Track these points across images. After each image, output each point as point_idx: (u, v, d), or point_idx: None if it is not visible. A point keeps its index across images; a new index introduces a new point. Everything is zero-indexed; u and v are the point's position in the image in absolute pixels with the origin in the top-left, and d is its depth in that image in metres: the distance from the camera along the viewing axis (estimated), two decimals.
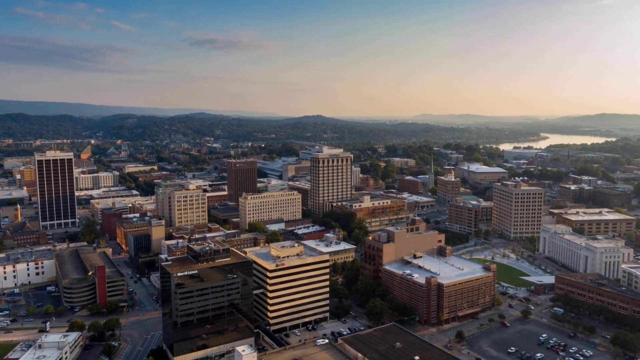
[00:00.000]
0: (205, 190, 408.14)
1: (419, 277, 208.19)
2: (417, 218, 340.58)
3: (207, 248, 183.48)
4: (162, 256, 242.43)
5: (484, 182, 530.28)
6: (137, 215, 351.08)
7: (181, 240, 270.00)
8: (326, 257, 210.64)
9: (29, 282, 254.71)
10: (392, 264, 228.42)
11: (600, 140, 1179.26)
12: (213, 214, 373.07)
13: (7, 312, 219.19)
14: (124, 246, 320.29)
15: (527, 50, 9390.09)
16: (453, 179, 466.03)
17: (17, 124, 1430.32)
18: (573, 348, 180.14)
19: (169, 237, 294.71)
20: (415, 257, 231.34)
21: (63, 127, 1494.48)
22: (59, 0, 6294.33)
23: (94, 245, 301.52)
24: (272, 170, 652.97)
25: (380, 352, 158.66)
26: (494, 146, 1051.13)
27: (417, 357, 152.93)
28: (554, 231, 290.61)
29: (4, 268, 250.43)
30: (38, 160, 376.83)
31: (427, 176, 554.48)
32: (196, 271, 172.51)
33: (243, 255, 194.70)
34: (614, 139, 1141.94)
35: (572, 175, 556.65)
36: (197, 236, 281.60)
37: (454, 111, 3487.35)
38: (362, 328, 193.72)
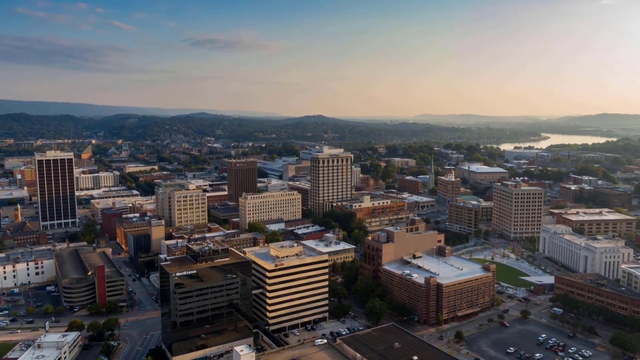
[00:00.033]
0: (205, 190, 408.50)
1: (418, 277, 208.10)
2: (416, 218, 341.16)
3: (206, 248, 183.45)
4: (162, 256, 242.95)
5: (484, 182, 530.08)
6: (137, 215, 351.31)
7: (181, 240, 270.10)
8: (325, 257, 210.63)
9: (29, 281, 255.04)
10: (392, 264, 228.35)
11: (601, 140, 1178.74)
12: (213, 214, 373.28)
13: (7, 311, 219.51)
14: (123, 246, 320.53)
15: (528, 50, 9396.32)
16: (453, 179, 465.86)
17: (18, 124, 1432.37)
18: (572, 348, 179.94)
19: (168, 237, 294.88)
20: (414, 257, 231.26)
21: (64, 127, 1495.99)
22: (59, 0, 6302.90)
23: (94, 245, 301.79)
24: (273, 170, 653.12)
25: (379, 352, 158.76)
26: (495, 146, 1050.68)
27: (415, 357, 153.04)
28: (554, 231, 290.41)
29: (4, 268, 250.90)
30: (38, 160, 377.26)
31: (428, 176, 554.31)
32: (195, 271, 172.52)
33: (242, 255, 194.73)
34: (614, 139, 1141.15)
35: (573, 176, 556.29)
36: (196, 236, 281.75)
37: (455, 111, 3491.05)
38: (361, 328, 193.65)
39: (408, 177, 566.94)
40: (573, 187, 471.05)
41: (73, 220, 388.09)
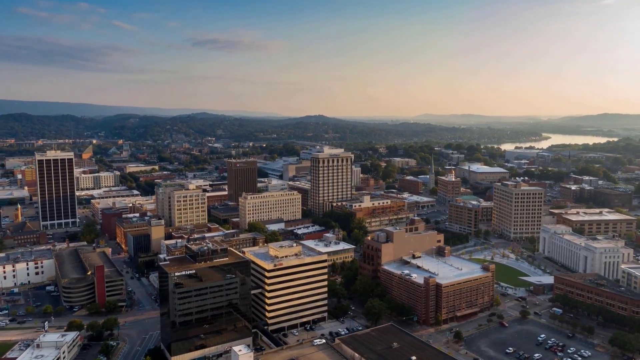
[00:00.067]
0: (205, 190, 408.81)
1: (417, 277, 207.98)
2: (416, 218, 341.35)
3: (205, 248, 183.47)
4: (161, 256, 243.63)
5: (484, 182, 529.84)
6: (137, 215, 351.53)
7: (180, 240, 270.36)
8: (324, 257, 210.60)
9: (29, 281, 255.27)
10: (391, 264, 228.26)
11: (602, 140, 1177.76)
12: (213, 214, 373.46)
13: (7, 311, 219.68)
14: (123, 246, 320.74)
15: (528, 50, 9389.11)
16: (453, 179, 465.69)
17: (19, 123, 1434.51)
18: (571, 348, 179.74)
19: (168, 237, 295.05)
20: (414, 257, 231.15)
21: (65, 127, 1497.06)
22: (61, 0, 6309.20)
23: (94, 245, 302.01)
24: (273, 170, 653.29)
25: (378, 352, 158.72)
26: (496, 146, 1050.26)
27: (414, 357, 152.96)
28: (554, 231, 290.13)
29: (4, 268, 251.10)
30: (39, 160, 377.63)
31: (428, 176, 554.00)
32: (194, 271, 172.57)
33: (241, 255, 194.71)
34: (615, 139, 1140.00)
35: (573, 176, 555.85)
36: (196, 236, 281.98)
37: (456, 111, 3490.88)
38: (360, 328, 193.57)
39: (408, 177, 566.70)
40: (573, 187, 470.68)
41: (73, 220, 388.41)
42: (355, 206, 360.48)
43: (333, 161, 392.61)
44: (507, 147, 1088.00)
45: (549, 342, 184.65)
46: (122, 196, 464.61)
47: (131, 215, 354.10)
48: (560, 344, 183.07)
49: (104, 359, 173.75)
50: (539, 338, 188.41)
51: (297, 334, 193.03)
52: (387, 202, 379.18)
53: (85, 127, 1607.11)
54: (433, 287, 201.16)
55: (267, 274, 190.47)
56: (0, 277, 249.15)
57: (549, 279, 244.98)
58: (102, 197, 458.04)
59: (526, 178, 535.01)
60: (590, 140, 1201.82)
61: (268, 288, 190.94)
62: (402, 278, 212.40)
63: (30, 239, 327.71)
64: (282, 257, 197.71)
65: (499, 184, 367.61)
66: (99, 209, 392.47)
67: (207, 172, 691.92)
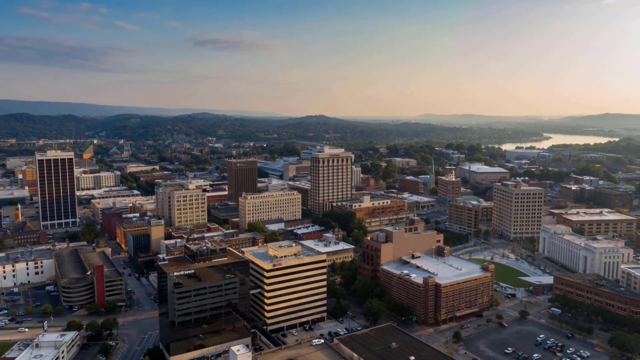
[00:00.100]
0: (205, 190, 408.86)
1: (416, 277, 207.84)
2: (416, 218, 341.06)
3: (204, 248, 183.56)
4: (161, 256, 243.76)
5: (484, 182, 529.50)
6: (137, 215, 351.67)
7: (180, 240, 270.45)
8: (324, 257, 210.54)
9: (28, 281, 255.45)
10: (390, 264, 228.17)
11: (603, 140, 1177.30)
12: (213, 214, 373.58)
13: (6, 311, 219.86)
14: (123, 246, 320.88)
15: (528, 50, 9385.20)
16: (454, 179, 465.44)
17: (20, 123, 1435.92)
18: (571, 349, 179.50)
19: (168, 236, 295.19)
20: (413, 257, 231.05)
21: (66, 127, 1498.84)
22: (63, 0, 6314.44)
23: (94, 245, 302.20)
24: (273, 170, 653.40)
25: (376, 352, 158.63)
26: (496, 146, 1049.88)
27: (412, 358, 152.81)
28: (554, 231, 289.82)
29: (4, 267, 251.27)
30: (39, 160, 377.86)
31: (428, 176, 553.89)
32: (193, 271, 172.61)
33: (240, 255, 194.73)
34: (616, 139, 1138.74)
35: (574, 176, 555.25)
36: (195, 236, 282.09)
37: (457, 111, 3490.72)
38: (359, 328, 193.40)
39: (409, 177, 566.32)
40: (574, 187, 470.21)
41: (73, 220, 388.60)
42: (355, 206, 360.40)
43: (333, 161, 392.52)
44: (508, 147, 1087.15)
45: (548, 342, 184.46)
46: (123, 196, 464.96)
47: (131, 215, 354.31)
48: (560, 344, 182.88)
49: (103, 359, 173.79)
50: (538, 338, 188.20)
51: (296, 334, 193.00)
52: (387, 202, 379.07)
53: (86, 127, 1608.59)
54: (432, 287, 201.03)
55: (266, 274, 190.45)
56: (0, 277, 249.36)
57: (548, 279, 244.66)
58: (103, 197, 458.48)
59: (526, 178, 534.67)
60: (592, 140, 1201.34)
61: (267, 288, 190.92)
62: (401, 278, 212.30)
63: (30, 239, 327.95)
64: (281, 257, 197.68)
65: (499, 184, 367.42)
66: (99, 208, 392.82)
67: (208, 172, 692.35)
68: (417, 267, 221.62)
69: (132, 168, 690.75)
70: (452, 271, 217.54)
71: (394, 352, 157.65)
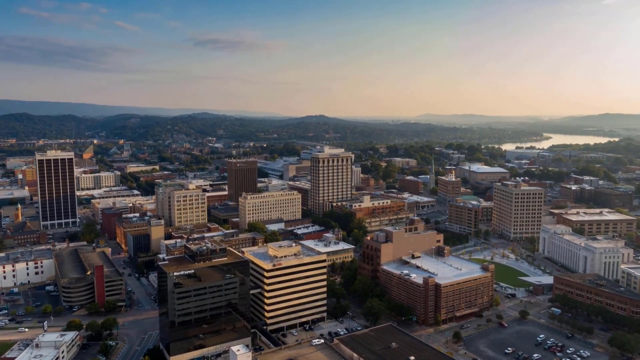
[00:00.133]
0: (205, 190, 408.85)
1: (416, 277, 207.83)
2: (415, 218, 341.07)
3: (204, 248, 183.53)
4: (161, 256, 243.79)
5: (484, 182, 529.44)
6: (137, 215, 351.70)
7: (180, 240, 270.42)
8: (323, 257, 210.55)
9: (28, 281, 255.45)
10: (390, 264, 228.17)
11: (603, 140, 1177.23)
12: (213, 214, 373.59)
13: (6, 311, 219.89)
14: (123, 246, 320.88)
15: (528, 50, 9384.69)
16: (454, 179, 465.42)
17: (20, 123, 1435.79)
18: (570, 349, 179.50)
19: (168, 236, 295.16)
20: (413, 257, 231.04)
21: (66, 127, 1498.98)
22: (63, 0, 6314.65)
23: (94, 245, 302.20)
24: (273, 170, 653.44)
25: (376, 352, 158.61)
26: (496, 146, 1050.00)
27: (412, 358, 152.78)
28: (554, 231, 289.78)
29: (4, 267, 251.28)
30: (39, 160, 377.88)
31: (428, 176, 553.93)
32: (193, 271, 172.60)
33: (240, 255, 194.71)
34: (616, 139, 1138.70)
35: (574, 176, 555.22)
36: (195, 236, 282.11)
37: (457, 111, 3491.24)
38: (359, 328, 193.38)
39: (409, 177, 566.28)
40: (574, 187, 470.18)
41: (73, 220, 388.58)
42: (355, 206, 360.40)
43: (333, 161, 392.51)
44: (508, 147, 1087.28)
45: (548, 342, 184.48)
46: (123, 196, 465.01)
47: (131, 215, 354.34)
48: (560, 344, 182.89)
49: (103, 359, 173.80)
50: (538, 338, 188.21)
51: (296, 334, 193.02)
52: (387, 202, 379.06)
53: (86, 127, 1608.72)
54: (432, 287, 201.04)
55: (266, 274, 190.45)
56: (0, 277, 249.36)
57: (548, 279, 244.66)
58: (103, 197, 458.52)
59: (526, 178, 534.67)
60: (592, 140, 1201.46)
61: (267, 288, 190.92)
62: (401, 278, 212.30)
63: (30, 239, 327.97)
64: (281, 257, 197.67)
65: (499, 184, 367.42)
66: (99, 208, 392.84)
67: (208, 172, 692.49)
68: (417, 267, 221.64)
69: (132, 168, 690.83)
70: (452, 271, 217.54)
71: (393, 352, 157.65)
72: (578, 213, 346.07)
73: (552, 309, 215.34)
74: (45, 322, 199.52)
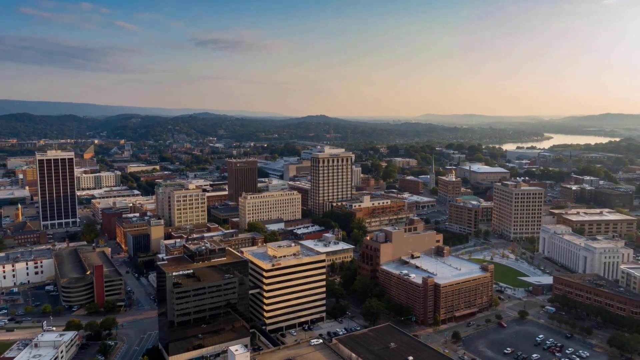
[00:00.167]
0: (205, 190, 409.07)
1: (415, 277, 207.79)
2: (415, 218, 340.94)
3: (203, 248, 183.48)
4: (160, 256, 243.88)
5: (485, 182, 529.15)
6: (137, 214, 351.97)
7: (179, 240, 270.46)
8: (323, 257, 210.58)
9: (28, 281, 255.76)
10: (390, 264, 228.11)
11: (604, 140, 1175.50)
12: (213, 214, 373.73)
13: (6, 311, 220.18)
14: (123, 246, 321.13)
15: (529, 49, 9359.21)
16: (454, 179, 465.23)
17: (21, 123, 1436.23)
18: (570, 349, 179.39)
19: (168, 236, 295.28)
20: (412, 257, 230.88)
21: (67, 127, 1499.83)
22: (64, 0, 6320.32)
23: (93, 244, 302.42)
24: (274, 170, 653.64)
25: (375, 352, 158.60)
26: (497, 146, 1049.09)
27: (411, 358, 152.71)
28: (554, 231, 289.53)
29: (3, 267, 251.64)
30: (39, 160, 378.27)
31: (429, 176, 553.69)
32: (192, 271, 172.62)
33: (239, 254, 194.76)
34: (617, 139, 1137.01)
35: (574, 176, 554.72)
36: (194, 236, 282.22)
37: (458, 111, 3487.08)
38: (358, 328, 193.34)
39: (409, 177, 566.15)
40: (574, 187, 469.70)
41: (74, 219, 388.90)
42: (355, 206, 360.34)
43: (333, 161, 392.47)
44: (509, 147, 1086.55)
45: (547, 342, 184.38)
46: (123, 196, 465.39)
47: (131, 215, 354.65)
48: (559, 344, 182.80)
49: (101, 359, 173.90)
50: (537, 338, 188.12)
51: (295, 334, 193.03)
52: (387, 202, 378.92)
53: (87, 127, 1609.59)
54: (431, 287, 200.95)
55: (265, 274, 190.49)
56: (0, 277, 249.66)
57: (548, 279, 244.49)
58: (103, 197, 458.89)
59: (527, 178, 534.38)
60: (592, 140, 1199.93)
61: (266, 288, 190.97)
62: (400, 278, 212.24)
63: (30, 239, 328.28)
64: (281, 257, 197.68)
65: (499, 184, 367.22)
66: (99, 208, 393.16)
67: (208, 172, 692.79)
68: (417, 267, 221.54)
69: (133, 168, 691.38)
70: (451, 271, 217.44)
71: (392, 352, 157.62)
72: (578, 213, 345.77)
73: (546, 307, 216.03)
74: (45, 321, 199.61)
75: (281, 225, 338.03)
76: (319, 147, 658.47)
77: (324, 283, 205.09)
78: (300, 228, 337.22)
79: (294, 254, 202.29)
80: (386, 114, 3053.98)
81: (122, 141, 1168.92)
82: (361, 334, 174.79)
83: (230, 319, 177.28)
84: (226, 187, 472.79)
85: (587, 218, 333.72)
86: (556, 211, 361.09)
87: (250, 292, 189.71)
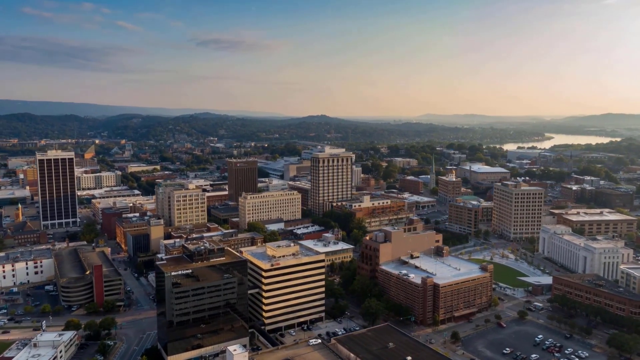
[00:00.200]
0: (205, 190, 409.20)
1: (415, 277, 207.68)
2: (415, 218, 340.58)
3: (202, 247, 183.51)
4: (160, 256, 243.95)
5: (485, 182, 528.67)
6: (137, 214, 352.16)
7: (179, 240, 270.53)
8: (322, 257, 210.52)
9: (28, 281, 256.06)
10: (389, 264, 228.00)
11: (604, 140, 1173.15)
12: (213, 214, 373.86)
13: (5, 310, 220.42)
14: (123, 246, 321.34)
15: (529, 49, 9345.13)
16: (454, 179, 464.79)
17: (22, 123, 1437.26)
18: (569, 349, 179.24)
19: (167, 236, 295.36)
20: (412, 257, 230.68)
21: (68, 127, 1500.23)
22: (65, 0, 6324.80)
23: (93, 244, 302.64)
24: (274, 170, 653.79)
25: (373, 352, 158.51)
26: (498, 146, 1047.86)
27: (409, 358, 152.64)
28: (554, 231, 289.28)
29: (3, 267, 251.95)
30: (39, 160, 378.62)
31: (429, 176, 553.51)
32: (191, 270, 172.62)
33: (238, 254, 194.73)
34: (618, 139, 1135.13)
35: (575, 176, 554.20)
36: (194, 235, 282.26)
37: (458, 111, 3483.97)
38: (357, 328, 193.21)
39: (409, 177, 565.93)
40: (574, 188, 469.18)
41: (74, 219, 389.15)
42: (355, 206, 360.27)
43: (333, 161, 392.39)
44: (510, 147, 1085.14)
45: (546, 342, 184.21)
46: (123, 196, 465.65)
47: (131, 215, 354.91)
48: (558, 344, 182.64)
49: (101, 359, 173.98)
50: (536, 339, 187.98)
51: (294, 334, 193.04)
52: (387, 202, 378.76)
53: (88, 127, 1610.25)
54: (430, 287, 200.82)
55: (264, 274, 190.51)
56: (0, 277, 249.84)
57: (547, 280, 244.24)
58: (103, 197, 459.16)
59: (527, 178, 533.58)
60: (593, 140, 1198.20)
61: (265, 288, 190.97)
62: (399, 278, 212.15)
63: (30, 239, 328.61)
64: (280, 257, 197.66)
65: (499, 184, 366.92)
66: (99, 208, 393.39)
67: (209, 172, 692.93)
68: (416, 267, 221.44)
69: (134, 168, 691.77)
70: (450, 271, 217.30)
71: (391, 353, 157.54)
72: (578, 213, 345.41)
73: (535, 303, 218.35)
74: (44, 321, 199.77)
75: (281, 225, 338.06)
76: (319, 147, 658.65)
77: (323, 283, 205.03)
78: (300, 228, 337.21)
79: (293, 254, 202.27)
80: (387, 114, 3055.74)
81: (123, 141, 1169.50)
82: (360, 334, 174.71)
83: (229, 318, 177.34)
84: (226, 187, 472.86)
85: (587, 218, 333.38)
86: (556, 211, 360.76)
87: (249, 292, 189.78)
